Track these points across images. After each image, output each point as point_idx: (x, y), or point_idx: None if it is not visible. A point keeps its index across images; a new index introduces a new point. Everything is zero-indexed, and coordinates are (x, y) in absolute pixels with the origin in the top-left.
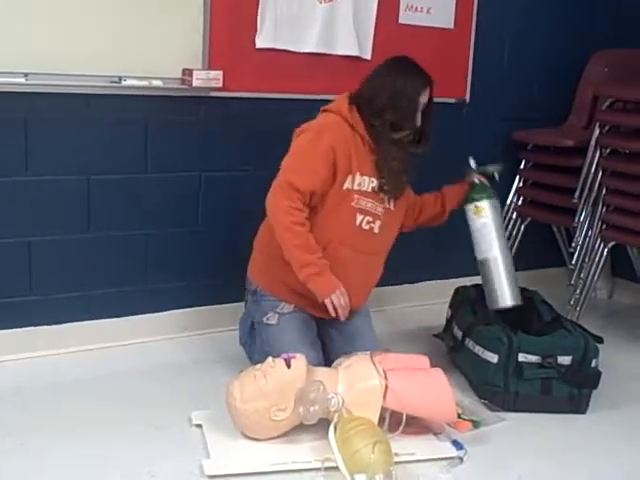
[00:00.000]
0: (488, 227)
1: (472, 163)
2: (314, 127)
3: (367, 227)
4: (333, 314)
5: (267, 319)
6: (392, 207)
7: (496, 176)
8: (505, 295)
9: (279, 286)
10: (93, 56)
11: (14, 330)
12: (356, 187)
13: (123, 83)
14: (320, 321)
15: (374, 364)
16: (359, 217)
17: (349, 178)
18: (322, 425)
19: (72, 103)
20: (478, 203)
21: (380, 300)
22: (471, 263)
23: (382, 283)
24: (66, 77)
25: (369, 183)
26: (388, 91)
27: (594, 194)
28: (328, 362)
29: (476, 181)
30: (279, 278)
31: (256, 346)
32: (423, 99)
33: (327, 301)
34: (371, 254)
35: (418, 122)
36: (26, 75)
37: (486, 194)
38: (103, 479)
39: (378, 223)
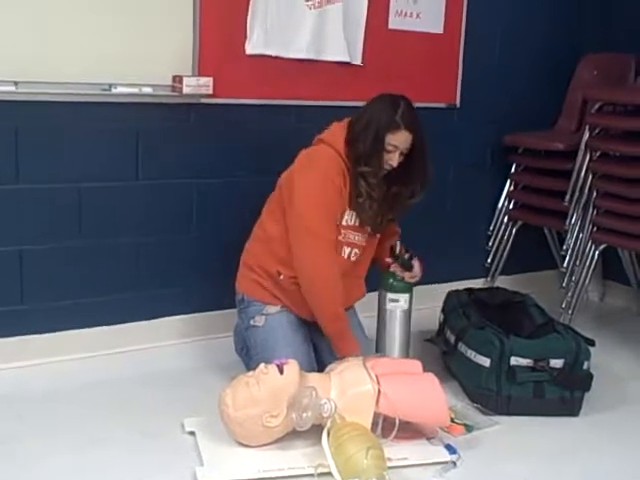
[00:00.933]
0: (386, 315)
1: (397, 248)
2: (320, 168)
3: (354, 258)
4: None
5: (254, 321)
6: (377, 236)
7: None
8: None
9: (265, 293)
10: (83, 64)
11: (6, 339)
12: (344, 223)
13: (113, 91)
14: (315, 326)
15: (366, 369)
16: (346, 250)
17: (339, 214)
18: (315, 431)
19: (62, 111)
20: (384, 291)
21: (374, 305)
22: (463, 267)
23: (376, 288)
24: (56, 85)
25: (355, 217)
26: (364, 120)
27: (584, 197)
28: (320, 365)
29: (391, 269)
30: (267, 289)
31: (250, 352)
32: (394, 141)
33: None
34: (355, 278)
35: (387, 162)
36: (16, 84)
37: (393, 288)
38: None
39: (361, 251)
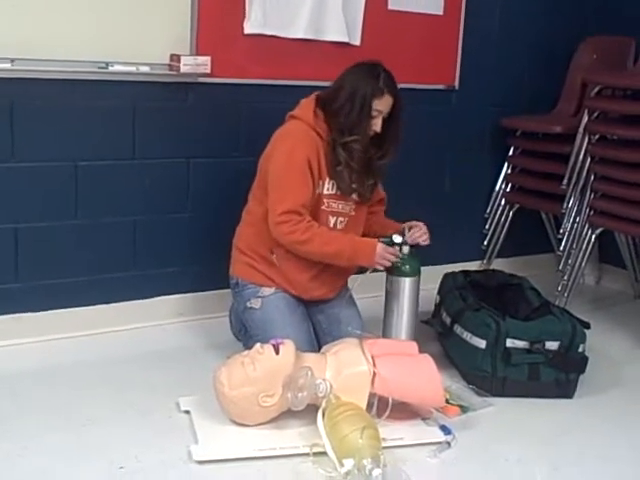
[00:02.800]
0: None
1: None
2: (286, 145)
3: (340, 227)
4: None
5: (250, 304)
6: (362, 194)
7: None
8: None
9: (259, 276)
10: (80, 42)
11: (0, 317)
12: (325, 192)
13: (110, 69)
14: (307, 305)
15: (362, 350)
16: (332, 219)
17: (320, 183)
18: (310, 411)
19: (59, 89)
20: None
21: (371, 286)
22: (460, 250)
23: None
24: (53, 63)
25: (335, 186)
26: (346, 92)
27: (582, 181)
28: (316, 346)
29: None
30: (260, 272)
31: (248, 333)
32: (379, 106)
33: (378, 266)
34: None
35: (371, 128)
36: (12, 61)
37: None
38: (90, 465)
39: (347, 220)
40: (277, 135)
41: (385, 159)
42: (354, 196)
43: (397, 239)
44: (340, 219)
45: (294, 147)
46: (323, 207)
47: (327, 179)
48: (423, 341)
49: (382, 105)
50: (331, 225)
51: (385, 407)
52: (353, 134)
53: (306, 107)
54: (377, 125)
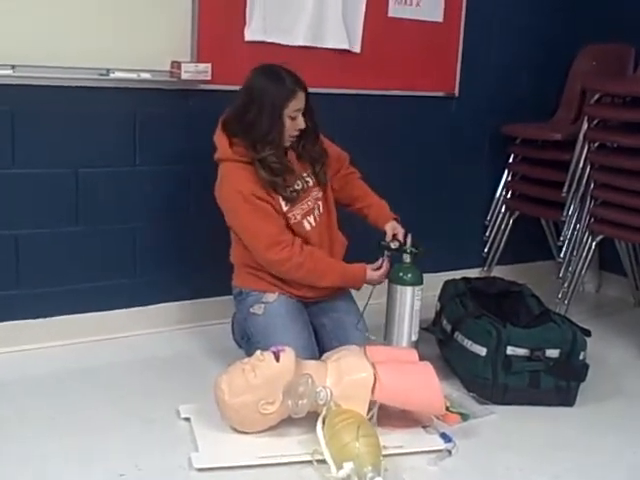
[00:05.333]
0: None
1: (408, 240)
2: (227, 193)
3: (319, 218)
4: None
5: (253, 309)
6: (318, 179)
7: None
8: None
9: (262, 283)
10: (81, 48)
11: (0, 324)
12: (285, 208)
13: (111, 76)
14: (311, 308)
15: (363, 357)
16: (306, 223)
17: (277, 204)
18: (311, 418)
19: (60, 95)
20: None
21: (374, 293)
22: (460, 257)
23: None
24: (54, 69)
25: (290, 192)
26: (255, 105)
27: (582, 188)
28: (320, 351)
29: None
30: (262, 278)
31: (251, 341)
32: (296, 106)
33: (368, 284)
34: (330, 232)
35: (295, 129)
36: (13, 67)
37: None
38: (90, 472)
39: (319, 207)
40: (217, 185)
41: (314, 147)
42: (310, 183)
43: (394, 245)
44: (315, 214)
45: (235, 192)
46: (292, 222)
47: (279, 197)
48: (423, 348)
49: (298, 104)
50: (308, 228)
51: (386, 415)
52: (270, 146)
53: (221, 144)
54: (301, 123)
